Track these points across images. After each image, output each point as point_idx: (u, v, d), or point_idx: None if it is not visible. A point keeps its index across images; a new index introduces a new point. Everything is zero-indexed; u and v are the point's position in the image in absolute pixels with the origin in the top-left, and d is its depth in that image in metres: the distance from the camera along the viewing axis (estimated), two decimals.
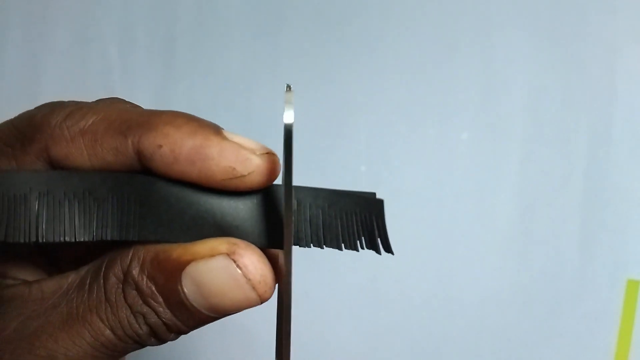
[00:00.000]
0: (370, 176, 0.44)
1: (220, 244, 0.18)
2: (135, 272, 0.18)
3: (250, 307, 0.19)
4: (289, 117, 0.16)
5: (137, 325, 0.18)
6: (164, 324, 0.19)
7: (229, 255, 0.18)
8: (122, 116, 0.19)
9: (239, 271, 0.18)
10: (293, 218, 0.18)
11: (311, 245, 0.19)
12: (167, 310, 0.18)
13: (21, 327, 0.18)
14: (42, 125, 0.19)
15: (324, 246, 0.19)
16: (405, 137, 0.44)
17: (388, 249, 0.20)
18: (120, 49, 0.46)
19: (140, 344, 0.19)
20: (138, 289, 0.18)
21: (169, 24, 0.46)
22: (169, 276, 0.18)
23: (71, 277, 0.19)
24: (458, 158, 0.44)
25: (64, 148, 0.18)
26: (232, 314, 0.19)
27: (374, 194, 0.20)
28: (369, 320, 0.45)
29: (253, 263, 0.18)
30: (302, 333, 0.44)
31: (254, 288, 0.18)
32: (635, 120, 0.42)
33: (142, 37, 0.46)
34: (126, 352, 0.19)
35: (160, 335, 0.19)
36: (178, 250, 0.18)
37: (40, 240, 0.17)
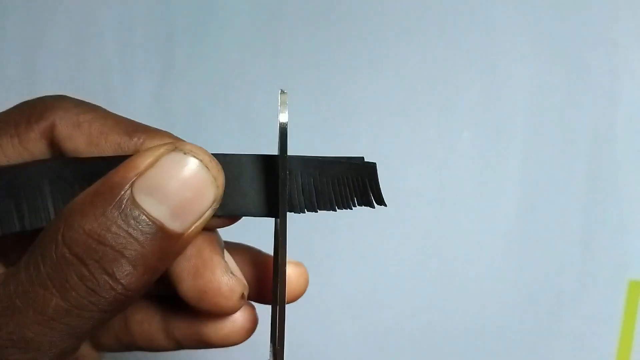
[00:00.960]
0: None
1: (158, 147, 0.18)
2: (73, 222, 0.17)
3: (212, 199, 0.18)
4: (283, 117, 0.18)
5: (92, 276, 0.17)
6: (126, 260, 0.17)
7: (174, 150, 0.18)
8: (128, 121, 0.20)
9: (191, 157, 0.18)
10: (286, 193, 0.19)
11: (305, 210, 0.19)
12: (126, 237, 0.17)
13: None
14: (54, 106, 0.20)
15: (318, 210, 0.19)
16: (405, 137, 0.44)
17: (381, 202, 0.20)
18: (120, 49, 0.46)
19: (99, 303, 0.17)
20: (86, 233, 0.17)
21: (168, 24, 0.46)
22: (119, 201, 0.17)
23: (8, 269, 0.18)
24: (458, 158, 0.44)
25: (69, 130, 0.19)
26: (202, 216, 0.18)
27: (362, 158, 0.20)
28: (369, 321, 0.45)
29: (196, 148, 0.18)
30: (302, 333, 0.44)
31: (208, 169, 0.18)
32: (637, 119, 0.42)
33: (141, 37, 0.46)
34: (88, 321, 0.17)
35: (125, 277, 0.17)
36: (119, 172, 0.17)
37: None
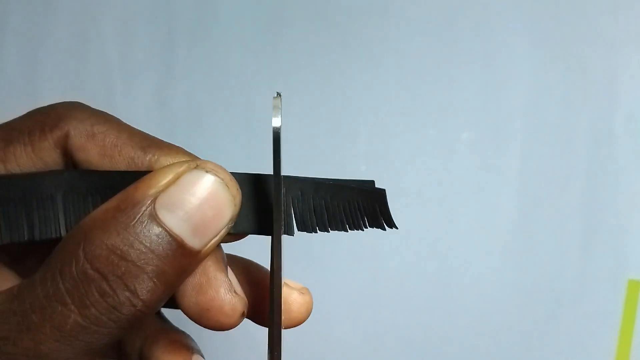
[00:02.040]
0: (370, 176, 0.44)
1: (178, 164, 0.18)
2: (95, 237, 0.17)
3: (230, 217, 0.18)
4: (276, 121, 0.18)
5: (112, 293, 0.17)
6: (148, 276, 0.17)
7: (196, 168, 0.18)
8: (142, 134, 0.20)
9: (213, 176, 0.18)
10: (291, 208, 0.19)
11: (317, 230, 0.20)
12: (148, 253, 0.17)
13: None
14: (68, 115, 0.20)
15: (330, 230, 0.20)
16: (405, 137, 0.44)
17: (391, 225, 0.21)
18: (120, 49, 0.46)
19: (118, 320, 0.17)
20: (109, 249, 0.17)
21: (168, 24, 0.46)
22: (142, 217, 0.17)
23: (21, 283, 0.18)
24: (458, 158, 0.44)
25: (83, 141, 0.19)
26: (216, 235, 0.18)
27: (373, 182, 0.21)
28: (369, 320, 0.45)
29: (217, 166, 0.18)
30: (302, 333, 0.44)
31: (228, 187, 0.18)
32: (636, 120, 0.42)
33: (141, 37, 0.46)
34: (105, 337, 0.17)
35: (145, 293, 0.17)
36: (140, 188, 0.17)
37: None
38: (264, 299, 0.22)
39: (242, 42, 0.45)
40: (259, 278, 0.23)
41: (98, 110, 0.20)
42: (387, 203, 0.20)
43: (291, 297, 0.22)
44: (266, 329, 0.21)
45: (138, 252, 0.17)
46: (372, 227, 0.20)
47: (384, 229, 0.20)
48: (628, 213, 0.43)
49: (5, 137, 0.19)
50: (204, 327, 0.20)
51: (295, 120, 0.44)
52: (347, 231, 0.20)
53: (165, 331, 0.22)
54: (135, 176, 0.18)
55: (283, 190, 0.19)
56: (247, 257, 0.24)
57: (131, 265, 0.17)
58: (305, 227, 0.20)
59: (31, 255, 0.21)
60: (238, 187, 0.19)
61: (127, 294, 0.17)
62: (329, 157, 0.45)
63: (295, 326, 0.22)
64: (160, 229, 0.17)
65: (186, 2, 0.46)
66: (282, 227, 0.19)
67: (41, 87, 0.46)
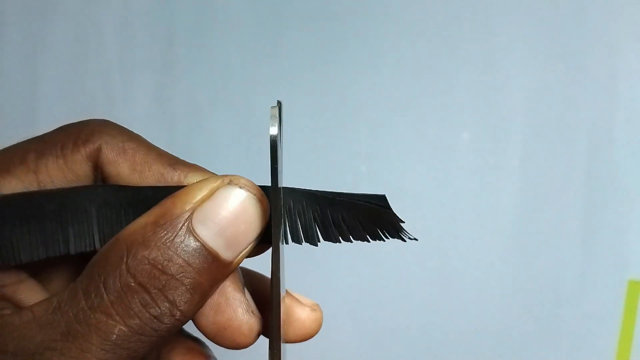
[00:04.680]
0: (370, 176, 0.44)
1: (213, 179, 0.19)
2: (137, 251, 0.18)
3: (260, 231, 0.19)
4: (273, 130, 0.19)
5: (154, 304, 0.18)
6: (185, 288, 0.18)
7: (230, 183, 0.19)
8: (169, 154, 0.21)
9: (245, 191, 0.19)
10: (295, 219, 0.20)
11: (340, 240, 0.20)
12: (186, 266, 0.18)
13: (18, 350, 0.18)
14: (101, 130, 0.21)
15: (352, 240, 0.21)
16: (405, 137, 0.44)
17: (408, 237, 0.22)
18: (120, 49, 0.46)
19: (160, 329, 0.18)
20: (150, 263, 0.18)
21: (168, 24, 0.46)
22: (180, 232, 0.18)
23: (59, 294, 0.18)
24: (458, 158, 0.44)
25: (115, 155, 0.20)
26: (248, 245, 0.19)
27: (384, 196, 0.22)
28: (369, 320, 0.45)
29: (249, 182, 0.19)
30: None
31: (260, 202, 0.19)
32: (636, 120, 0.42)
33: (141, 37, 0.46)
34: (147, 345, 0.18)
35: (183, 304, 0.18)
36: (177, 204, 0.18)
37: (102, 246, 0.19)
38: (266, 310, 0.23)
39: (242, 42, 0.45)
40: (261, 289, 0.23)
41: (127, 129, 0.21)
42: (398, 222, 0.21)
43: (304, 314, 0.23)
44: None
45: (177, 266, 0.18)
46: (392, 238, 0.21)
47: (404, 241, 0.21)
48: (628, 213, 0.42)
49: (38, 150, 0.20)
50: (220, 345, 0.21)
51: (295, 121, 0.44)
52: (369, 242, 0.21)
53: (182, 338, 0.23)
54: (167, 191, 0.19)
55: (289, 202, 0.20)
56: (250, 263, 0.24)
57: (171, 278, 0.18)
58: (327, 236, 0.20)
59: (50, 265, 0.22)
60: (267, 202, 0.19)
61: (167, 304, 0.18)
62: (328, 157, 0.45)
63: (306, 340, 0.23)
64: (197, 244, 0.18)
65: (186, 2, 0.45)
66: (281, 235, 0.20)
67: (41, 87, 0.46)
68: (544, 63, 0.43)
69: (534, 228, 0.43)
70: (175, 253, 0.18)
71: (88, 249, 0.19)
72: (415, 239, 0.21)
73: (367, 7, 0.44)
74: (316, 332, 0.23)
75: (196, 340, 0.23)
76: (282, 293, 0.21)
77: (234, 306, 0.20)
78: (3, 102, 0.46)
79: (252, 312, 0.21)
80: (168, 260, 0.18)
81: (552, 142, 0.43)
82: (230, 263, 0.19)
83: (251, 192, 0.19)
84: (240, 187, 0.19)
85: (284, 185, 0.20)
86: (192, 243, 0.18)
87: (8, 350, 0.18)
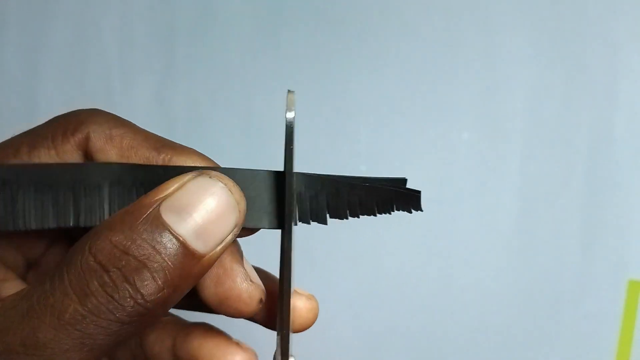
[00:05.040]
0: (370, 176, 0.44)
1: (185, 174, 0.19)
2: (101, 234, 0.18)
3: (234, 223, 0.19)
4: (290, 114, 0.19)
5: (112, 283, 0.17)
6: (148, 271, 0.18)
7: (201, 175, 0.19)
8: (157, 137, 0.22)
9: (217, 181, 0.19)
10: (305, 203, 0.21)
11: (348, 217, 0.21)
12: (150, 249, 0.18)
13: None
14: (88, 119, 0.21)
15: (359, 216, 0.22)
16: (406, 137, 0.44)
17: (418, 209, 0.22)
18: (120, 49, 0.46)
19: (119, 312, 0.17)
20: (112, 243, 0.18)
21: (168, 24, 0.46)
22: (146, 218, 0.18)
23: (32, 284, 0.19)
24: (458, 158, 0.44)
25: (102, 143, 0.21)
26: (222, 241, 0.19)
27: (405, 180, 0.22)
28: (369, 320, 0.45)
29: (220, 173, 0.19)
30: (303, 333, 0.44)
31: (232, 193, 0.19)
32: (636, 120, 0.42)
33: (141, 37, 0.46)
34: (106, 331, 0.17)
35: (145, 287, 0.18)
36: (149, 195, 0.19)
37: None
38: (273, 305, 0.23)
39: (242, 42, 0.45)
40: (267, 284, 0.23)
41: (116, 115, 0.22)
42: (420, 204, 0.22)
43: (299, 304, 0.23)
44: (272, 333, 0.22)
45: (140, 247, 0.18)
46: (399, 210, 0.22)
47: (410, 212, 0.22)
48: (628, 213, 0.42)
49: (30, 143, 0.21)
50: (225, 315, 0.22)
51: (295, 120, 0.44)
52: (376, 215, 0.22)
53: (196, 325, 0.24)
54: (177, 170, 0.20)
55: (299, 187, 0.21)
56: (253, 255, 0.25)
57: (132, 259, 0.18)
58: (338, 214, 0.21)
59: (47, 260, 0.23)
60: (242, 194, 0.19)
61: (127, 285, 0.17)
62: (328, 157, 0.45)
63: (302, 330, 0.24)
64: (163, 229, 0.18)
65: (186, 2, 0.45)
66: (293, 221, 0.20)
67: (41, 87, 0.46)
68: (544, 63, 0.43)
69: (534, 228, 0.43)
70: (140, 236, 0.18)
71: (97, 224, 0.19)
72: (421, 210, 0.22)
73: (367, 7, 0.44)
74: (313, 322, 0.24)
75: (211, 325, 0.24)
76: (293, 283, 0.22)
77: (233, 276, 0.21)
78: (3, 102, 0.46)
79: (250, 280, 0.21)
80: (131, 242, 0.18)
81: (552, 142, 0.43)
82: (203, 255, 0.18)
83: (222, 182, 0.19)
84: (211, 177, 0.19)
85: (299, 171, 0.21)
86: (159, 228, 0.18)
87: None
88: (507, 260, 0.44)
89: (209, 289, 0.21)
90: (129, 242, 0.18)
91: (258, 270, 0.24)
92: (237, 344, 0.23)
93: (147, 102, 0.46)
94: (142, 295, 0.18)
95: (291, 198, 0.20)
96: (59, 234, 0.24)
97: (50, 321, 0.17)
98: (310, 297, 0.24)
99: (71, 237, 0.24)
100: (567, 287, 0.43)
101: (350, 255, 0.44)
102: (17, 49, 0.46)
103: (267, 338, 0.23)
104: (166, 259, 0.18)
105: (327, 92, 0.45)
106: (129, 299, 0.17)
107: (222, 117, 0.45)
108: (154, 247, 0.18)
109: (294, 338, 0.22)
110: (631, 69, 0.42)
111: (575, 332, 0.43)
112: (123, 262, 0.17)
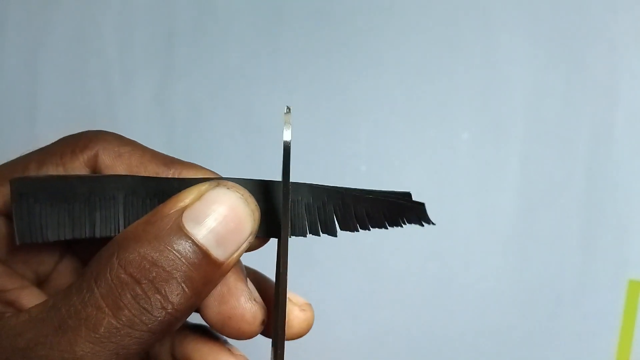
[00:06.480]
0: (370, 176, 0.44)
1: (201, 184, 0.20)
2: (128, 246, 0.18)
3: (250, 231, 0.19)
4: (287, 135, 0.20)
5: (145, 296, 0.18)
6: (177, 281, 0.18)
7: (218, 186, 0.20)
8: (163, 154, 0.22)
9: (233, 192, 0.20)
10: (304, 214, 0.21)
11: (358, 229, 0.22)
12: (177, 260, 0.18)
13: (11, 345, 0.18)
14: (97, 138, 0.22)
15: (370, 228, 0.22)
16: (405, 137, 0.44)
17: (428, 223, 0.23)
18: (120, 49, 0.46)
19: (151, 323, 0.18)
20: (141, 255, 0.18)
21: (168, 24, 0.46)
22: (170, 228, 0.18)
23: (56, 295, 0.19)
24: (458, 158, 0.44)
25: (111, 160, 0.22)
26: (239, 247, 0.19)
27: (409, 194, 0.23)
28: (369, 320, 0.45)
29: (236, 184, 0.20)
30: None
31: (247, 203, 0.20)
32: (636, 120, 0.42)
33: (141, 37, 0.46)
34: (138, 341, 0.18)
35: (175, 296, 0.18)
36: (168, 205, 0.19)
37: None
38: (268, 312, 0.23)
39: (242, 42, 0.45)
40: (264, 289, 0.23)
41: (122, 135, 0.23)
42: (426, 214, 0.23)
43: (293, 314, 0.23)
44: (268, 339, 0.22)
45: (167, 259, 0.18)
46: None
47: (422, 225, 0.22)
48: (628, 213, 0.43)
49: (39, 160, 0.21)
50: (227, 335, 0.22)
51: (295, 121, 0.44)
52: (387, 228, 0.22)
53: (194, 328, 0.24)
54: (190, 182, 0.20)
55: (308, 198, 0.21)
56: (251, 260, 0.25)
57: (161, 270, 0.18)
58: (348, 227, 0.21)
59: (56, 274, 0.23)
60: (256, 204, 0.20)
61: (158, 296, 0.18)
62: (328, 157, 0.45)
63: (296, 338, 0.24)
64: (187, 239, 0.18)
65: (186, 2, 0.46)
66: (289, 231, 0.20)
67: (41, 87, 0.46)
68: (544, 63, 0.43)
69: (534, 228, 0.43)
70: (166, 247, 0.18)
71: (113, 234, 0.20)
72: (433, 224, 0.23)
73: (367, 7, 0.44)
74: (305, 332, 0.24)
75: (207, 328, 0.24)
76: (288, 289, 0.22)
77: (237, 295, 0.21)
78: (3, 102, 0.46)
79: (254, 300, 0.21)
80: (159, 254, 0.18)
81: (552, 142, 0.43)
82: (223, 262, 0.19)
83: (238, 193, 0.20)
84: (228, 189, 0.19)
85: (308, 182, 0.21)
86: (182, 238, 0.18)
87: (2, 347, 0.18)
88: (507, 260, 0.44)
89: (213, 307, 0.21)
90: (157, 254, 0.18)
91: (254, 274, 0.25)
92: (229, 350, 0.24)
93: (147, 102, 0.46)
94: (172, 304, 0.18)
95: (286, 211, 0.20)
96: (67, 249, 0.24)
97: (86, 335, 0.18)
98: (305, 308, 0.24)
99: (76, 251, 0.24)
100: (567, 287, 0.43)
101: (350, 255, 0.44)
102: (17, 49, 0.46)
103: (265, 341, 0.23)
104: (192, 267, 0.18)
105: (327, 91, 0.45)
106: (160, 309, 0.18)
107: (221, 117, 0.45)
108: (179, 258, 0.18)
109: (286, 344, 0.22)
110: (631, 69, 0.42)
111: (575, 332, 0.43)
112: (154, 274, 0.18)
